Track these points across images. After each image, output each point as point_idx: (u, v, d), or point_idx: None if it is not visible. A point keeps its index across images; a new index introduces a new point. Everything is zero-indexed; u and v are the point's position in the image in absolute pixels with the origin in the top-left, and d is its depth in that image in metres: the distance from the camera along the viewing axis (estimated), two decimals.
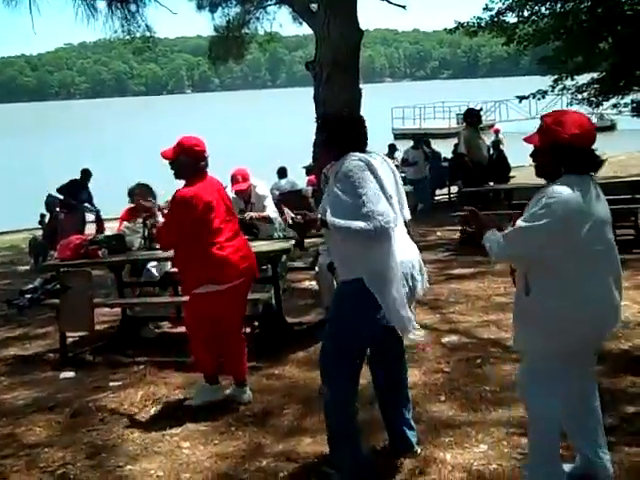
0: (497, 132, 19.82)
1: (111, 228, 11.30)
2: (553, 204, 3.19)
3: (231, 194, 7.36)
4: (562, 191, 3.22)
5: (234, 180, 7.30)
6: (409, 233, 4.05)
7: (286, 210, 7.55)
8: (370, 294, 3.71)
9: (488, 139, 15.26)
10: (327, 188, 3.91)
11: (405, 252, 3.88)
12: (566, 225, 3.20)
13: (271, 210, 7.35)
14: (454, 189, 16.79)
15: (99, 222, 15.72)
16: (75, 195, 14.99)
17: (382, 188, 3.75)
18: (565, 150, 3.27)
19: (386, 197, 3.74)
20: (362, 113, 11.17)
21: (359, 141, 3.97)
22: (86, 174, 15.78)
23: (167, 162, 5.17)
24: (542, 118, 3.41)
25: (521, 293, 3.41)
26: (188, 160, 5.08)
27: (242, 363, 5.35)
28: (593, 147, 3.35)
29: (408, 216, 4.07)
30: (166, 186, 5.36)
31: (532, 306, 3.35)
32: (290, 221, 5.05)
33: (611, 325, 3.45)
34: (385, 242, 3.70)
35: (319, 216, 3.85)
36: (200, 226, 5.02)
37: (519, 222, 3.30)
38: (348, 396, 3.90)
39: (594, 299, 3.29)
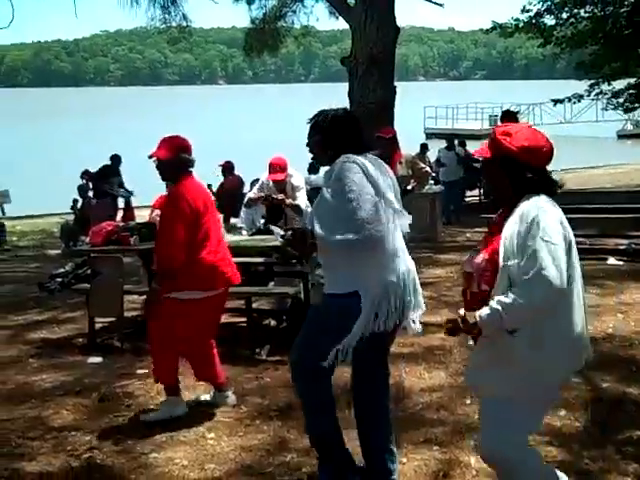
0: None
1: (142, 216, 11.38)
2: (541, 218, 2.87)
3: (268, 182, 7.36)
4: (541, 205, 2.92)
5: (272, 169, 7.27)
6: (407, 245, 3.74)
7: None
8: (359, 310, 3.50)
9: None
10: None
11: (396, 269, 3.56)
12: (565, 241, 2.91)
13: (303, 202, 7.32)
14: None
15: (128, 209, 15.84)
16: (107, 180, 15.14)
17: (377, 193, 3.50)
18: (514, 165, 2.98)
19: (381, 203, 3.49)
20: (395, 110, 11.26)
21: (356, 142, 3.69)
22: (116, 159, 15.92)
23: (156, 163, 4.82)
24: (493, 129, 3.15)
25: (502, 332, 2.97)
26: (187, 158, 4.81)
27: (216, 367, 5.10)
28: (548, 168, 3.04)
29: (406, 227, 3.73)
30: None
31: (519, 347, 2.95)
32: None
33: (588, 354, 3.14)
34: (378, 253, 3.48)
35: (308, 226, 3.67)
36: (195, 227, 4.69)
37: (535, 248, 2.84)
38: (323, 408, 3.75)
39: (579, 329, 3.00)
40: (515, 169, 2.98)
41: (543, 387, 3.02)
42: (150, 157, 4.82)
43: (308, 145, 3.81)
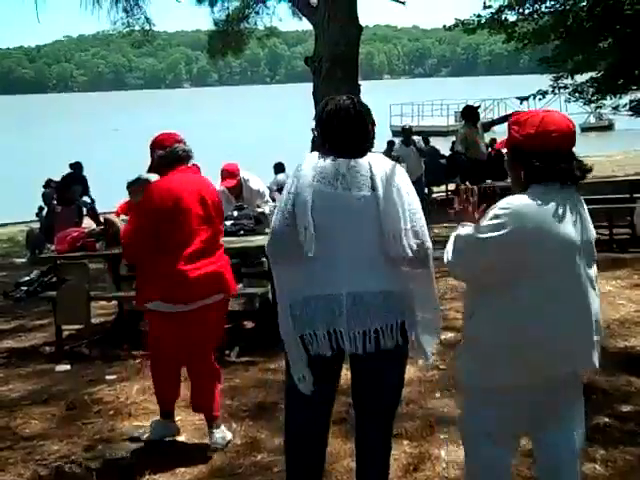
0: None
1: None
2: (502, 216, 2.75)
3: (224, 189, 7.42)
4: (514, 201, 2.78)
5: (222, 176, 7.39)
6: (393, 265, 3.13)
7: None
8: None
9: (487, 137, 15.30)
10: None
11: (329, 284, 3.07)
12: (514, 241, 2.73)
13: (268, 208, 7.40)
14: (451, 186, 16.79)
15: (95, 215, 15.67)
16: (69, 188, 14.98)
17: (298, 198, 3.04)
18: (521, 154, 2.85)
19: (295, 209, 3.05)
20: None
21: (332, 140, 3.20)
22: (77, 167, 15.75)
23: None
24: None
25: (465, 315, 2.99)
26: (160, 154, 4.43)
27: (210, 399, 4.48)
28: (569, 152, 2.86)
29: (400, 250, 3.09)
30: None
31: (472, 331, 2.93)
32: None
33: (557, 369, 2.84)
34: (277, 264, 3.20)
35: None
36: (166, 227, 4.24)
37: (465, 229, 2.87)
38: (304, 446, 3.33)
39: (534, 339, 2.76)
40: (524, 158, 2.84)
41: (480, 388, 2.91)
42: None
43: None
